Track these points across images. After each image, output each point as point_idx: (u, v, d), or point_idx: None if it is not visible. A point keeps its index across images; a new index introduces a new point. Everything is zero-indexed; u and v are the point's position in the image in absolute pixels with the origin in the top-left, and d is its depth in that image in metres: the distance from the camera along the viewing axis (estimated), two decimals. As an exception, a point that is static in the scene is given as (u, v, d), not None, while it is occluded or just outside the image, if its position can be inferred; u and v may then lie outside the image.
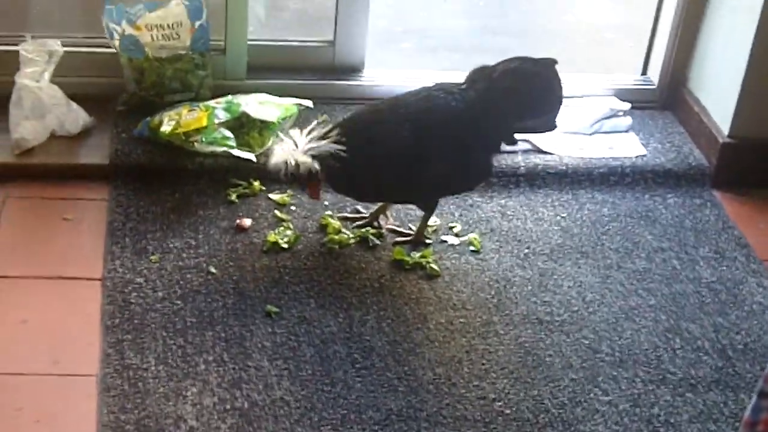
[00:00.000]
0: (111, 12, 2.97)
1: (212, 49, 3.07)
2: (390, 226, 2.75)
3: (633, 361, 2.41)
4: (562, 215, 2.88)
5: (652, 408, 2.30)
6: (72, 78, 2.96)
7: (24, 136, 2.83)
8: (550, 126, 2.73)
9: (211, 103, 2.94)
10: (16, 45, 2.90)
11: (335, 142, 2.52)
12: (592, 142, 3.13)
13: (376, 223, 2.75)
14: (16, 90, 2.87)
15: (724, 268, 2.74)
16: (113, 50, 3.00)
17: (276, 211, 2.76)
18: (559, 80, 2.65)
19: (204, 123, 2.85)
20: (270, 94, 3.01)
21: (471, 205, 2.86)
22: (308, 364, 2.31)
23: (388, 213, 2.77)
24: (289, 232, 2.68)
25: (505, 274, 2.65)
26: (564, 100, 2.67)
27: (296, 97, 3.01)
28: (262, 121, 2.90)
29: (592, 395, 2.31)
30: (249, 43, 3.12)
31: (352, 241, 2.70)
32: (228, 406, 2.18)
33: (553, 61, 2.65)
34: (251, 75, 3.14)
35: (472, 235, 2.75)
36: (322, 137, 2.53)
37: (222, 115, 2.88)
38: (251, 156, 2.84)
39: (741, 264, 2.76)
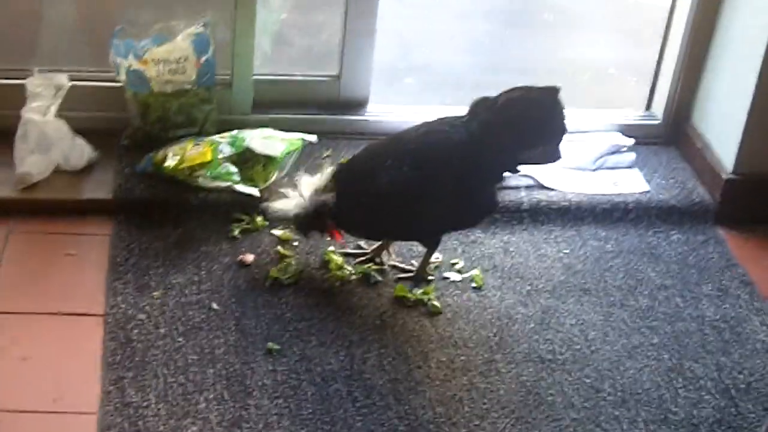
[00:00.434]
0: (118, 46, 2.96)
1: (218, 84, 3.06)
2: (392, 263, 2.73)
3: (635, 401, 2.39)
4: (565, 252, 2.86)
5: (655, 449, 2.27)
6: (78, 112, 2.95)
7: (29, 171, 2.82)
8: (555, 157, 2.69)
9: (216, 137, 2.93)
10: (22, 79, 2.88)
11: (336, 185, 2.53)
12: (596, 178, 3.11)
13: (378, 259, 2.73)
14: (22, 124, 2.86)
15: (728, 306, 2.71)
16: (119, 84, 2.99)
17: (279, 247, 2.74)
18: (561, 108, 2.61)
19: (209, 158, 2.83)
20: (275, 128, 3.00)
21: (473, 242, 2.84)
22: (309, 402, 2.29)
23: (391, 249, 2.74)
24: (291, 268, 2.66)
25: (507, 311, 2.62)
26: (567, 128, 2.64)
27: (301, 131, 3.00)
28: (266, 156, 2.89)
29: (593, 435, 2.29)
30: (254, 77, 3.11)
31: (354, 277, 2.67)
32: (227, 445, 2.16)
33: (556, 89, 2.61)
34: (257, 109, 3.13)
35: (474, 272, 2.72)
36: (325, 185, 2.56)
37: (227, 150, 2.87)
38: (255, 191, 2.82)
39: (744, 302, 2.73)
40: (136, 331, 2.43)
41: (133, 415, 2.20)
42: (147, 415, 2.21)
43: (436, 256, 2.72)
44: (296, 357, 2.40)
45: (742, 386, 2.46)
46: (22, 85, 2.87)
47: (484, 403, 2.34)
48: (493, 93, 2.68)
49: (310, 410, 2.27)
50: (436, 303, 2.61)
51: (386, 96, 3.33)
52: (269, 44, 3.35)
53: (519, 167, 2.68)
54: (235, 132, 2.94)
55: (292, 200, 2.61)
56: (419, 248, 2.74)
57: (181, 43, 3.00)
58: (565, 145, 2.65)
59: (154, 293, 2.55)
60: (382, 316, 2.57)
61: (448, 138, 2.58)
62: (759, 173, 3.02)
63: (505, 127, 2.57)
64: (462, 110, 2.68)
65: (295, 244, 2.76)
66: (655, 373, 2.47)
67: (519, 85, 2.63)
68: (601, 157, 3.17)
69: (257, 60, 3.11)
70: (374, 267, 2.70)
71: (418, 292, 2.64)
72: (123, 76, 2.97)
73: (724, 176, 3.03)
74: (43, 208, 2.79)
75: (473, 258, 2.79)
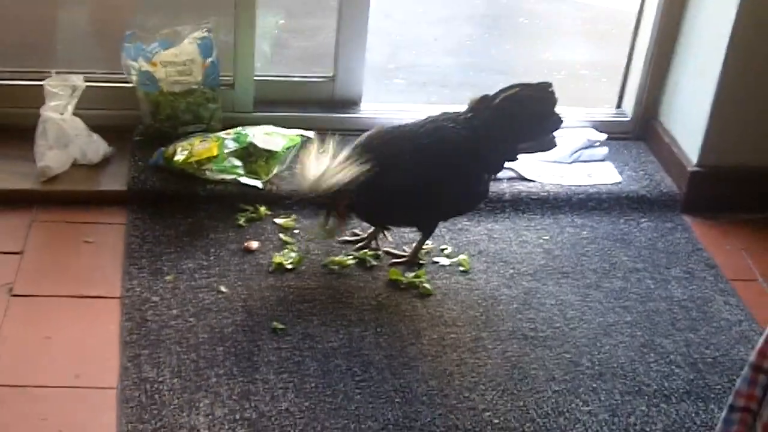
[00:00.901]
0: (129, 50, 2.96)
1: (222, 84, 3.06)
2: (386, 249, 2.73)
3: (611, 374, 2.40)
4: (545, 238, 2.87)
5: (629, 418, 2.28)
6: (93, 110, 2.94)
7: (48, 165, 2.81)
8: (552, 145, 2.72)
9: (221, 134, 2.93)
10: (41, 80, 2.88)
11: (364, 164, 2.50)
12: (572, 171, 3.12)
13: (373, 244, 2.73)
14: (41, 122, 2.85)
15: (694, 287, 2.73)
16: (131, 85, 2.98)
17: (281, 235, 2.74)
18: (555, 101, 2.64)
19: (215, 152, 2.83)
20: (275, 125, 3.00)
21: (461, 229, 2.85)
22: (311, 377, 2.29)
23: (387, 234, 2.75)
24: (293, 254, 2.66)
25: (492, 293, 2.63)
26: (562, 119, 2.65)
27: (299, 128, 3.00)
28: (268, 151, 2.89)
29: (573, 406, 2.29)
30: (256, 78, 3.11)
31: (351, 262, 2.68)
32: (237, 417, 2.16)
33: (549, 84, 2.63)
34: (258, 108, 3.12)
35: (461, 257, 2.73)
36: (348, 162, 2.50)
37: (231, 145, 2.87)
38: (258, 183, 2.83)
39: (710, 283, 2.74)
40: (150, 312, 2.43)
41: (149, 390, 2.21)
42: (162, 390, 2.21)
43: (427, 243, 2.73)
44: (299, 335, 2.41)
45: (709, 360, 2.47)
46: (41, 86, 2.86)
47: (473, 377, 2.35)
48: (475, 91, 2.71)
49: (313, 384, 2.27)
50: (427, 285, 2.61)
51: (377, 95, 3.34)
52: (269, 47, 3.36)
53: (518, 156, 2.70)
54: (239, 128, 2.95)
55: (315, 168, 2.50)
56: (410, 235, 2.75)
57: (188, 47, 2.99)
58: (559, 134, 2.66)
59: (167, 277, 2.55)
60: (378, 297, 2.57)
61: (457, 134, 2.59)
62: (721, 165, 3.03)
63: (505, 122, 2.60)
64: (448, 108, 2.70)
65: (296, 231, 2.76)
66: (629, 349, 2.48)
67: (513, 83, 2.65)
68: (576, 151, 3.18)
69: (258, 62, 3.11)
70: (370, 253, 2.70)
71: (411, 275, 2.64)
72: (134, 77, 2.96)
73: (690, 168, 3.04)
74: (62, 199, 2.78)
75: (460, 244, 2.80)
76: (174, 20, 3.05)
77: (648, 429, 2.25)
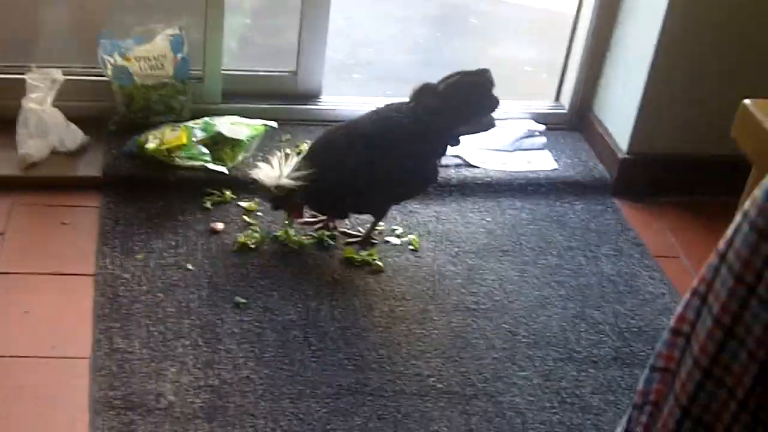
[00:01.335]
0: (105, 45, 2.92)
1: (192, 78, 3.03)
2: (342, 229, 2.73)
3: (545, 343, 2.41)
4: (487, 219, 2.87)
5: (561, 381, 2.30)
6: (71, 102, 2.90)
7: (29, 152, 2.78)
8: (491, 125, 2.70)
9: (190, 123, 2.90)
10: (22, 73, 2.84)
11: (307, 170, 2.52)
12: (513, 158, 3.12)
13: (331, 224, 2.72)
14: (23, 112, 2.81)
15: (622, 263, 2.75)
16: (107, 78, 2.95)
17: (245, 217, 2.73)
18: (492, 85, 2.62)
19: (184, 141, 2.81)
20: (241, 116, 2.98)
21: (411, 212, 2.85)
22: (271, 347, 2.29)
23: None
24: (256, 235, 2.65)
25: (439, 269, 2.63)
26: (498, 101, 2.63)
27: (264, 118, 2.98)
28: (234, 139, 2.87)
29: (511, 371, 2.31)
30: (223, 72, 3.08)
31: (309, 242, 2.67)
32: (202, 384, 2.16)
33: (486, 70, 2.62)
34: (225, 100, 3.09)
35: (411, 237, 2.73)
36: (296, 167, 2.54)
37: (199, 134, 2.85)
38: (224, 169, 2.80)
39: (636, 260, 2.77)
40: (122, 288, 2.41)
41: (120, 359, 2.19)
42: (132, 359, 2.20)
43: (380, 224, 2.73)
44: (260, 309, 2.40)
45: (635, 330, 2.50)
46: (23, 79, 2.82)
47: (419, 346, 2.35)
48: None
49: (272, 353, 2.27)
50: (379, 263, 2.61)
51: (337, 88, 3.31)
52: (236, 44, 3.33)
53: (461, 139, 2.68)
54: (206, 118, 2.92)
55: (270, 174, 2.56)
56: (364, 217, 2.75)
57: (160, 43, 2.96)
58: (497, 115, 2.66)
59: (138, 256, 2.53)
60: (334, 274, 2.57)
61: (399, 122, 2.58)
62: (649, 153, 3.05)
63: (447, 108, 2.58)
64: (402, 99, 2.69)
65: (259, 214, 2.75)
66: (562, 320, 2.50)
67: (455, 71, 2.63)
68: (517, 140, 3.19)
69: (225, 57, 3.08)
70: (327, 233, 2.70)
71: (364, 253, 2.64)
72: (110, 71, 2.93)
73: (620, 156, 3.06)
74: (41, 184, 2.74)
75: (410, 225, 2.80)
76: (148, 19, 3.01)
77: (578, 392, 2.27)
